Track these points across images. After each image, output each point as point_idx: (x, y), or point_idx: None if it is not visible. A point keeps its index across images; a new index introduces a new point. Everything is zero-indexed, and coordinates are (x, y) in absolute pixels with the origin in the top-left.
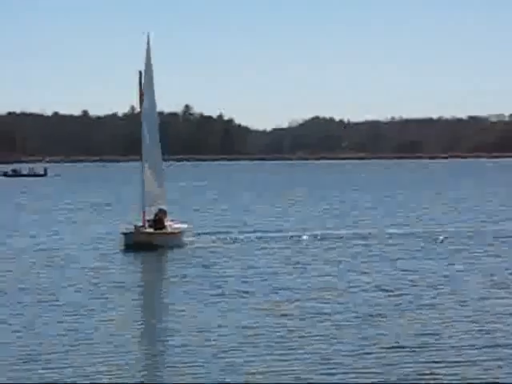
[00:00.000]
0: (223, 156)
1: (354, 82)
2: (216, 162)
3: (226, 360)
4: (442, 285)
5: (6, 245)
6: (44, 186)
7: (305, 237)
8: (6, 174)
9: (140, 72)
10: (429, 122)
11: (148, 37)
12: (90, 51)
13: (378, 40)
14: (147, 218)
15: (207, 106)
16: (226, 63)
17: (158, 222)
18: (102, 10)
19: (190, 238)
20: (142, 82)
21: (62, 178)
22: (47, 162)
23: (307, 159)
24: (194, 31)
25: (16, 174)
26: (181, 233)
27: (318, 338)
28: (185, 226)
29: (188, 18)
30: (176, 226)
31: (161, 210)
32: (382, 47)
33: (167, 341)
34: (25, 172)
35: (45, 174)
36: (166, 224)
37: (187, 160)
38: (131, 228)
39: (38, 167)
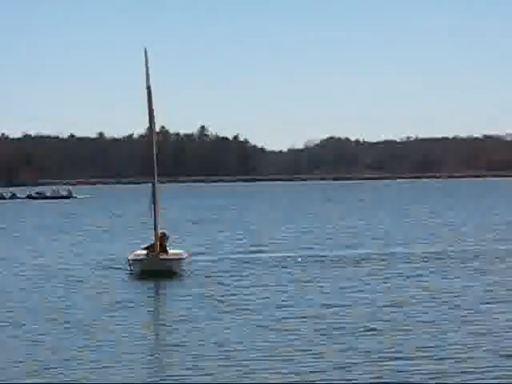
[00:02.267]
0: (239, 177)
1: (368, 102)
2: (232, 183)
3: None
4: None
5: (25, 264)
6: (72, 207)
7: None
8: (30, 197)
9: (148, 87)
10: (444, 140)
11: (145, 52)
12: (103, 70)
13: (392, 58)
14: (145, 244)
15: (223, 126)
16: (242, 84)
17: (159, 246)
18: (117, 27)
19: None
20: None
21: (88, 199)
22: (64, 184)
23: (324, 179)
24: (210, 52)
25: (40, 196)
26: (185, 258)
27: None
28: (182, 251)
29: (205, 38)
30: (175, 251)
31: (163, 234)
32: (395, 65)
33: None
34: (49, 194)
35: (69, 196)
36: (167, 249)
37: (203, 181)
38: (140, 253)
39: (63, 189)
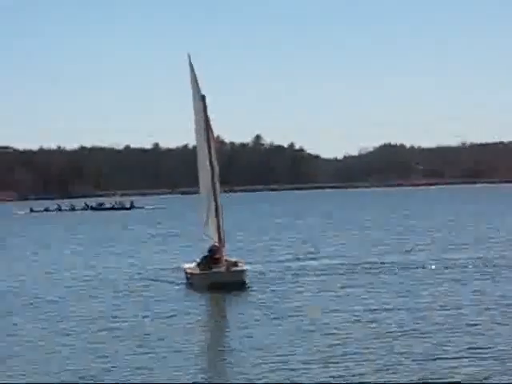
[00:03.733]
0: (294, 185)
1: (422, 107)
2: (286, 191)
3: None
4: None
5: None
6: (144, 217)
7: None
8: (92, 208)
9: (203, 96)
10: (498, 145)
11: (189, 58)
12: (155, 81)
13: (437, 64)
14: (199, 256)
15: (278, 135)
16: (296, 93)
17: (214, 258)
18: (166, 34)
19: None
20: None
21: (153, 210)
22: (120, 195)
23: (379, 186)
24: (262, 60)
25: (101, 207)
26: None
27: None
28: (237, 259)
29: (257, 46)
30: (232, 259)
31: (215, 246)
32: (445, 70)
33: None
34: (109, 205)
35: (131, 207)
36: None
37: (256, 190)
38: (195, 265)
39: (125, 200)
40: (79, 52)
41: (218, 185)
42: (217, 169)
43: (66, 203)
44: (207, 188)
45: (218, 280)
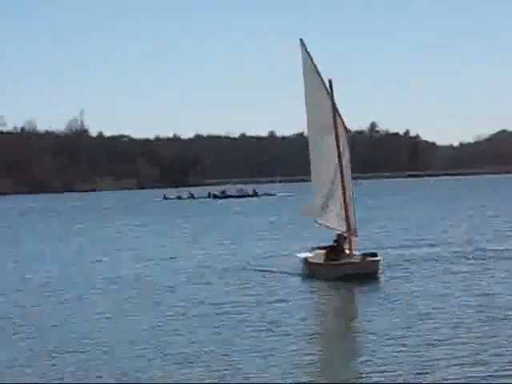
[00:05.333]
0: (410, 172)
1: None
2: (403, 179)
3: None
4: None
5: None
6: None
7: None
8: (215, 196)
9: (330, 81)
10: None
11: (302, 43)
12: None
13: None
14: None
15: (393, 122)
16: (408, 79)
17: (334, 249)
18: (267, 23)
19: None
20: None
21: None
22: (234, 183)
23: (496, 173)
24: (373, 48)
25: (224, 195)
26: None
27: None
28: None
29: (366, 34)
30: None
31: (341, 236)
32: None
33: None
34: (233, 193)
35: (254, 195)
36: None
37: (372, 178)
38: (316, 254)
39: (248, 188)
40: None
41: (349, 172)
42: (347, 155)
43: (187, 191)
44: (329, 176)
45: (351, 271)
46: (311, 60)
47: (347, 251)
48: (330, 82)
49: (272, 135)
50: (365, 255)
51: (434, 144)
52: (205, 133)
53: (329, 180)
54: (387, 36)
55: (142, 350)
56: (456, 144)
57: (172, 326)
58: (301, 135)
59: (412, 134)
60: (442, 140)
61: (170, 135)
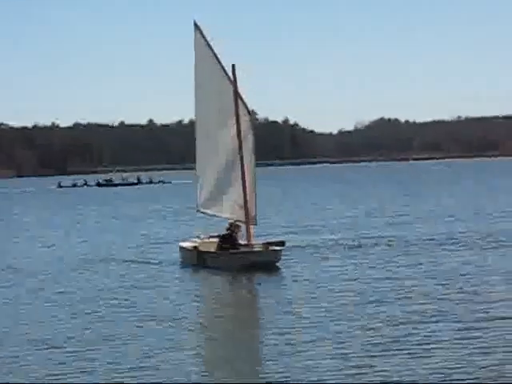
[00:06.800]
0: (292, 160)
1: (416, 82)
2: (285, 167)
3: None
4: None
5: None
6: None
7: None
8: (99, 184)
9: (233, 66)
10: (495, 120)
11: (196, 25)
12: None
13: (433, 38)
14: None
15: (271, 110)
16: (286, 65)
17: (228, 238)
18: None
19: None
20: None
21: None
22: (118, 171)
23: (378, 161)
24: (256, 36)
25: (109, 183)
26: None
27: None
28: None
29: (251, 18)
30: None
31: (233, 224)
32: (440, 45)
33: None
34: (117, 181)
35: (138, 183)
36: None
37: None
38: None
39: (131, 176)
40: (69, 32)
41: (251, 158)
42: (250, 141)
43: (79, 179)
44: (225, 163)
45: (248, 261)
46: (207, 43)
47: (243, 241)
48: (233, 66)
49: (151, 123)
50: (269, 244)
51: (312, 132)
52: (84, 121)
53: (225, 166)
54: (269, 22)
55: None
56: (335, 132)
57: (46, 316)
58: (179, 123)
59: (291, 122)
60: (320, 128)
61: (49, 123)
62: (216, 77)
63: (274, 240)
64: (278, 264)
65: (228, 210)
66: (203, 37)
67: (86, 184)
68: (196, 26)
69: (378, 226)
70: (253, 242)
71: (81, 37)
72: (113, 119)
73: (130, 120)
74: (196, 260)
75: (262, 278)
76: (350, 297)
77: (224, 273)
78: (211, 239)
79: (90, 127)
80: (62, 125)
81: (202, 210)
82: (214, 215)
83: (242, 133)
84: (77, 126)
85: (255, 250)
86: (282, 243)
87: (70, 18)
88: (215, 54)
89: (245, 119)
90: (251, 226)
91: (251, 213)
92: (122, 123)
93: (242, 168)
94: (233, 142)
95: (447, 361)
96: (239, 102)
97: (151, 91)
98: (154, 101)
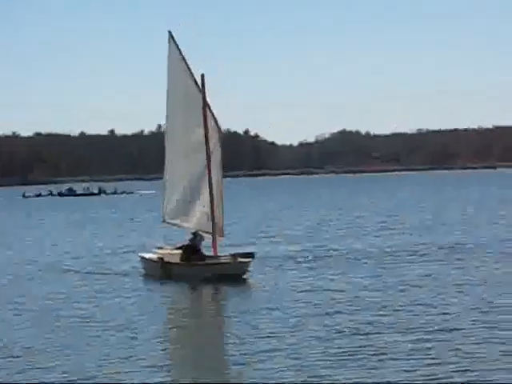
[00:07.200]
0: (253, 172)
1: (378, 94)
2: (245, 179)
3: None
4: None
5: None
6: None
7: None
8: (60, 194)
9: (202, 75)
10: (456, 132)
11: (171, 35)
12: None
13: (397, 53)
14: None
15: (231, 121)
16: (247, 76)
17: (193, 249)
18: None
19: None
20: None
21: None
22: (81, 181)
23: (338, 173)
24: (217, 43)
25: (71, 193)
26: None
27: None
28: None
29: (212, 23)
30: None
31: (197, 235)
32: (401, 58)
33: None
34: (80, 191)
35: (99, 193)
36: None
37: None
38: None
39: (93, 186)
40: (33, 37)
41: (219, 171)
42: (218, 153)
43: (46, 190)
44: (192, 174)
45: (215, 272)
46: (180, 54)
47: (207, 252)
48: (203, 76)
49: (112, 133)
50: (237, 255)
51: (273, 143)
52: (44, 131)
53: (192, 178)
54: (229, 30)
55: None
56: (295, 144)
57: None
58: (140, 133)
59: (252, 133)
60: (281, 139)
61: (9, 133)
62: (188, 88)
63: (241, 251)
64: (245, 276)
65: (195, 222)
66: (177, 47)
67: (50, 194)
68: (171, 36)
69: (332, 238)
70: (218, 253)
71: (37, 43)
72: (74, 129)
73: (91, 130)
74: (160, 271)
75: (226, 289)
76: (308, 308)
77: (188, 284)
78: (175, 251)
79: (51, 137)
80: (23, 134)
81: (168, 220)
82: (181, 226)
83: (211, 145)
84: (38, 136)
85: (223, 261)
86: (251, 255)
87: (32, 23)
88: (188, 66)
89: (213, 131)
90: (219, 238)
91: (219, 224)
92: (82, 133)
93: (209, 180)
94: (201, 154)
95: (401, 372)
96: (208, 113)
97: (113, 102)
98: (115, 111)
